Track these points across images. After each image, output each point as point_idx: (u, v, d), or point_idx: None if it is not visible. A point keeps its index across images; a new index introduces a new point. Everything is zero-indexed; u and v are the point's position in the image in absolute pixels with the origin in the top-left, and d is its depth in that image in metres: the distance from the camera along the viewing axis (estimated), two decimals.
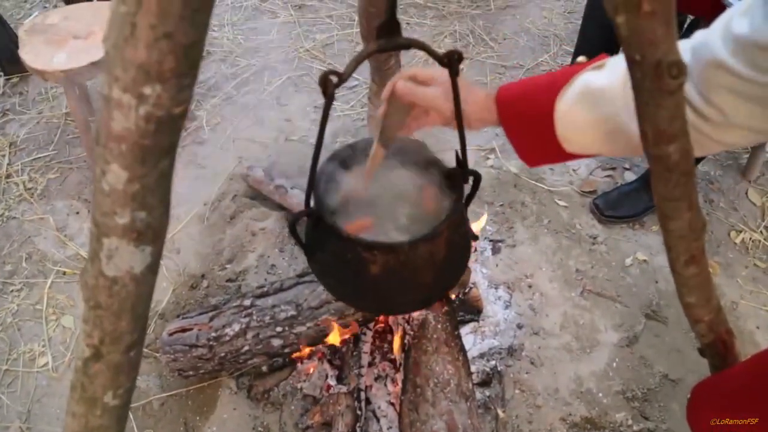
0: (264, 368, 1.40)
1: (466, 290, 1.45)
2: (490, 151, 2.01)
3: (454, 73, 0.63)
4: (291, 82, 2.34)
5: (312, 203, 0.75)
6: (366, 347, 1.36)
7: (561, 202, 1.85)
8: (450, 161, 0.82)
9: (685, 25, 1.86)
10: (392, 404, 1.28)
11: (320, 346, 1.36)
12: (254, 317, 1.26)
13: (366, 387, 1.30)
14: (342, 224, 0.76)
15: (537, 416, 1.37)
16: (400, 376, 1.27)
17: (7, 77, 2.37)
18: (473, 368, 1.34)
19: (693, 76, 0.57)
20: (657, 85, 0.42)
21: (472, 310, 1.49)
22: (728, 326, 0.71)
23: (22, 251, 1.76)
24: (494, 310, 1.54)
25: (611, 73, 0.64)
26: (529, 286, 1.63)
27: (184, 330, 1.28)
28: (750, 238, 1.75)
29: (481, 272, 1.62)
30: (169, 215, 0.46)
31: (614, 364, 1.47)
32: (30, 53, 1.64)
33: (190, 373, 1.32)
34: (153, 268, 0.48)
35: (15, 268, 1.72)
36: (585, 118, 0.66)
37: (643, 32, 0.39)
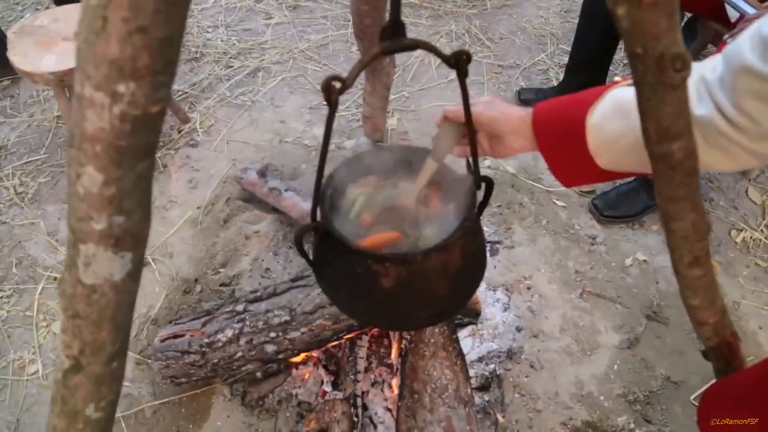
0: (258, 374, 1.38)
1: None
2: None
3: (461, 74, 0.61)
4: (285, 83, 2.32)
5: (318, 216, 0.73)
6: (362, 352, 1.33)
7: (559, 203, 1.83)
8: (459, 167, 0.80)
9: (682, 23, 1.85)
10: (389, 410, 1.25)
11: (314, 353, 1.34)
12: (247, 323, 1.24)
13: (362, 393, 1.28)
14: (362, 237, 0.74)
15: (537, 421, 1.35)
16: (397, 382, 1.25)
17: None
18: (472, 372, 1.32)
19: (725, 84, 0.57)
20: (660, 79, 0.41)
21: (470, 313, 1.47)
22: (733, 329, 0.69)
23: (12, 256, 1.74)
24: (493, 312, 1.52)
25: None
26: (528, 288, 1.61)
27: (176, 336, 1.26)
28: (751, 237, 1.73)
29: None
30: (151, 220, 0.44)
31: (615, 367, 1.45)
32: (18, 55, 1.62)
33: (183, 380, 1.29)
34: (134, 276, 0.46)
35: (5, 274, 1.70)
36: (615, 128, 0.67)
37: (645, 24, 0.38)
